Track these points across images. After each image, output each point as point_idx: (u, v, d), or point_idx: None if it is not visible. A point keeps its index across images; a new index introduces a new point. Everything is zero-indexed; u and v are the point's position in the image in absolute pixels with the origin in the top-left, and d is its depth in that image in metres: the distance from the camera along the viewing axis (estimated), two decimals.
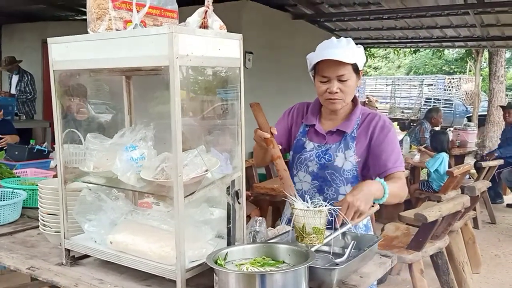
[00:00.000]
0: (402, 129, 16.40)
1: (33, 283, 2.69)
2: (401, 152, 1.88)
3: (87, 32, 1.44)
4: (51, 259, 1.68)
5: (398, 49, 13.08)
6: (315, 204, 1.49)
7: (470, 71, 22.70)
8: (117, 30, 1.38)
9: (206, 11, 1.40)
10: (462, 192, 3.69)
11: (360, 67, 1.84)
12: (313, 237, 1.48)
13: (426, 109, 8.58)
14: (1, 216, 2.03)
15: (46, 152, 3.61)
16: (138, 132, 1.57)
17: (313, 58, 1.84)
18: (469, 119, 12.96)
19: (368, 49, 12.55)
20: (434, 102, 17.86)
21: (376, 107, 17.61)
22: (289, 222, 1.89)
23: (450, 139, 6.63)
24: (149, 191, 1.51)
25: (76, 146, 1.66)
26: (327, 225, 1.51)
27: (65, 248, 1.60)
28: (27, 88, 7.43)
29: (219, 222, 1.56)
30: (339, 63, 1.76)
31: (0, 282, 3.46)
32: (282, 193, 1.70)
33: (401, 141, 6.61)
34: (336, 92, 1.80)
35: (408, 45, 11.13)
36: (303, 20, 7.98)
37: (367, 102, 16.45)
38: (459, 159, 7.08)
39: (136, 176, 1.48)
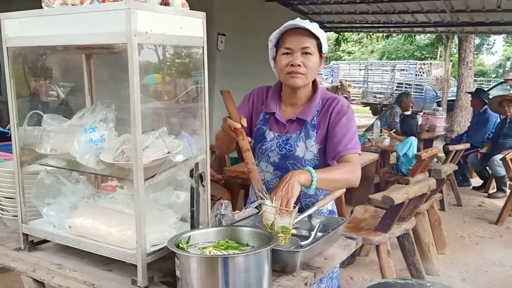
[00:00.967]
0: (374, 113, 16.58)
1: None
2: (356, 135, 1.82)
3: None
4: (8, 244, 1.64)
5: (371, 33, 13.13)
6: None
7: (440, 57, 23.09)
8: (73, 5, 1.32)
9: None
10: (429, 175, 3.75)
11: (324, 50, 1.82)
12: (280, 236, 1.47)
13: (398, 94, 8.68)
14: None
15: (9, 134, 3.48)
16: (99, 113, 1.52)
17: (276, 33, 1.82)
18: (439, 104, 13.18)
19: (341, 34, 12.58)
20: (406, 87, 18.09)
21: (349, 92, 17.77)
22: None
23: (419, 123, 6.74)
24: (109, 173, 1.47)
25: (42, 129, 1.59)
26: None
27: (22, 233, 1.55)
28: None
29: (184, 206, 1.53)
30: (304, 34, 1.75)
31: None
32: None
33: (371, 126, 6.69)
34: (299, 65, 1.76)
35: (380, 29, 11.18)
36: (276, 2, 7.89)
37: (339, 86, 16.51)
38: (428, 143, 7.21)
39: (96, 159, 1.43)
